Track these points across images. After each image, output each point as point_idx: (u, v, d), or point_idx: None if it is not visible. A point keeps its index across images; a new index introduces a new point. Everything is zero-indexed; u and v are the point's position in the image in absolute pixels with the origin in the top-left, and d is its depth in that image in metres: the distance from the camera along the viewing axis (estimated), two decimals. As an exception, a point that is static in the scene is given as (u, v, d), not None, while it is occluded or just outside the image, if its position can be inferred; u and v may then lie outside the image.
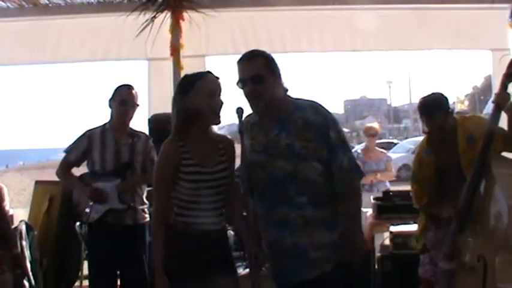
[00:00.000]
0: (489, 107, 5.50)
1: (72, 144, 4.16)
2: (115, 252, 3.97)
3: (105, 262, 4.02)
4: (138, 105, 4.18)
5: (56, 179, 4.35)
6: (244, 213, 2.95)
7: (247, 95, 2.79)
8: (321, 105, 2.86)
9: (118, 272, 4.14)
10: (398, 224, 4.94)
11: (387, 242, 4.98)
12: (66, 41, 6.13)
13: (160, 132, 3.75)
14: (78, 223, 4.75)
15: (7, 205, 5.49)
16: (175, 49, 5.75)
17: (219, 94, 2.86)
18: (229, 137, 3.10)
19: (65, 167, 4.17)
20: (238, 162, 3.03)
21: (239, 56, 2.87)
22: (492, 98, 3.68)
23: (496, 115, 3.38)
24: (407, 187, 4.32)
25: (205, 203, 2.85)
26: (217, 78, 2.89)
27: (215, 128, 3.01)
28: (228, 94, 2.93)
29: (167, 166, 2.85)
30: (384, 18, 6.09)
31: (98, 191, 3.99)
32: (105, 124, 4.19)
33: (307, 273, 2.76)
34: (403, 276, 4.57)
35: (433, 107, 3.63)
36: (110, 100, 4.15)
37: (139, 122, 4.81)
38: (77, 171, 4.23)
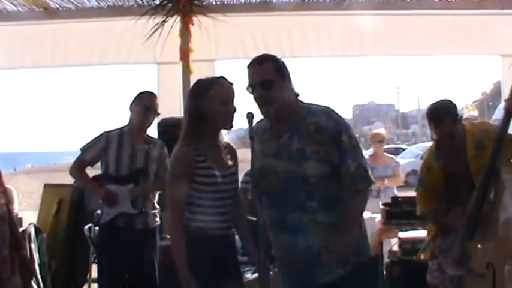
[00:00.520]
0: (498, 113, 5.48)
1: (89, 143, 4.15)
2: (125, 256, 3.95)
3: (114, 265, 4.01)
4: (159, 113, 4.18)
5: (64, 182, 4.38)
6: (250, 218, 2.95)
7: (257, 101, 2.77)
8: (334, 110, 2.82)
9: (127, 277, 4.14)
10: (407, 230, 4.93)
11: (396, 247, 4.97)
12: (76, 44, 6.16)
13: (169, 135, 3.76)
14: (87, 226, 4.77)
15: (16, 208, 5.52)
16: (185, 53, 5.76)
17: (233, 101, 2.88)
18: (232, 144, 3.09)
19: (79, 166, 4.16)
20: (245, 167, 3.04)
21: (248, 61, 2.85)
22: (501, 104, 3.67)
23: (506, 121, 3.37)
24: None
25: (215, 207, 2.85)
26: (231, 84, 2.90)
27: (223, 132, 3.01)
28: (237, 99, 2.93)
29: (182, 170, 2.84)
30: (392, 24, 6.11)
31: (111, 193, 3.99)
32: (123, 127, 4.18)
33: (321, 278, 2.74)
34: (411, 282, 4.54)
35: (442, 114, 3.63)
36: (131, 104, 4.14)
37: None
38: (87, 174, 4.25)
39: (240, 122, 2.91)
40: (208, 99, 2.82)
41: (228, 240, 2.94)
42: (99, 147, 4.11)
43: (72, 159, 4.29)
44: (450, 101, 3.71)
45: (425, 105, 4.14)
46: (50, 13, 6.07)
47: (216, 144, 2.93)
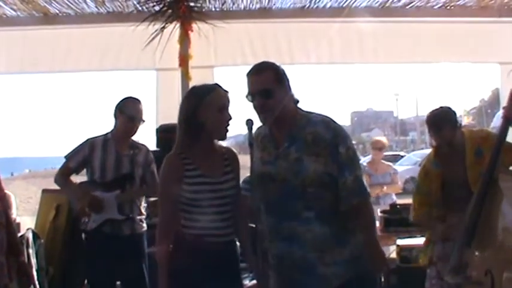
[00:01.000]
0: (496, 121, 5.48)
1: (73, 151, 4.14)
2: (113, 263, 3.94)
3: (102, 272, 3.99)
4: (144, 120, 4.17)
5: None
6: (251, 225, 2.94)
7: (256, 109, 2.76)
8: (333, 120, 2.80)
9: (118, 283, 4.13)
10: (405, 237, 4.93)
11: (394, 255, 4.97)
12: (75, 50, 6.16)
13: (168, 141, 3.74)
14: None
15: (14, 213, 5.50)
16: (184, 60, 5.76)
17: (228, 109, 2.86)
18: (233, 149, 3.08)
19: (64, 174, 4.15)
20: (243, 173, 3.03)
21: (248, 67, 2.84)
22: (499, 112, 3.68)
23: (504, 128, 3.38)
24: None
25: (212, 214, 2.82)
26: (226, 92, 2.88)
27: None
28: (236, 105, 2.93)
29: (171, 179, 2.83)
30: (391, 31, 6.13)
31: (97, 200, 3.98)
32: (107, 133, 4.18)
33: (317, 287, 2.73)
34: (409, 290, 4.55)
35: (441, 121, 3.64)
36: (115, 110, 4.13)
37: (147, 132, 4.82)
38: (74, 180, 4.23)
39: (239, 128, 2.91)
40: (203, 107, 2.80)
41: (227, 247, 2.90)
42: (82, 155, 4.10)
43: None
44: (450, 108, 3.72)
45: (423, 112, 4.17)
46: (50, 18, 6.07)
47: (210, 151, 2.90)
